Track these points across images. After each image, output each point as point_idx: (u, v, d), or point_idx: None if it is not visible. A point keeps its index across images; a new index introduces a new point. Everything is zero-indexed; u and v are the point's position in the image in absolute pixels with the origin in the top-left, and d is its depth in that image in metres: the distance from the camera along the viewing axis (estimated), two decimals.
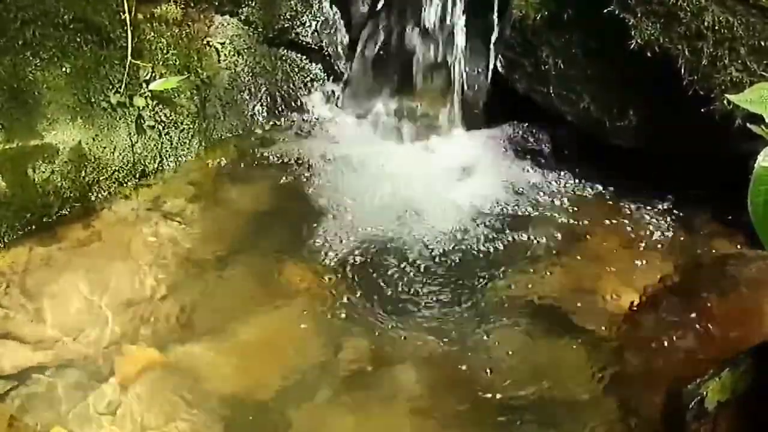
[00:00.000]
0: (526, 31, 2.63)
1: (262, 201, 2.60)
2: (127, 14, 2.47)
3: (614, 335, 2.07)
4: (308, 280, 2.25)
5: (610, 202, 2.54)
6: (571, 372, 1.97)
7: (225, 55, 2.83)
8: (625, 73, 2.41)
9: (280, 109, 3.00)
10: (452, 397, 1.92)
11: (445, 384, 1.95)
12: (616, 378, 1.95)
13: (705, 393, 1.61)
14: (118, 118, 2.55)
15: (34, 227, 2.36)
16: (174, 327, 2.09)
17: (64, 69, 2.41)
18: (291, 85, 3.03)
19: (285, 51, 3.00)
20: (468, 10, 2.83)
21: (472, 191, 2.61)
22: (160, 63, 2.64)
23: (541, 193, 2.60)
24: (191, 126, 2.74)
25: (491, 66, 2.85)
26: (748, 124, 1.33)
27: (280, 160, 2.76)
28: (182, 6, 2.72)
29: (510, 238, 2.41)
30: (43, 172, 2.38)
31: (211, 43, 2.79)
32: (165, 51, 2.66)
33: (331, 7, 3.01)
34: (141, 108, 2.57)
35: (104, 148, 2.52)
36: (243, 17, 2.86)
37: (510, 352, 2.03)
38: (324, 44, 3.03)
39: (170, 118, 2.68)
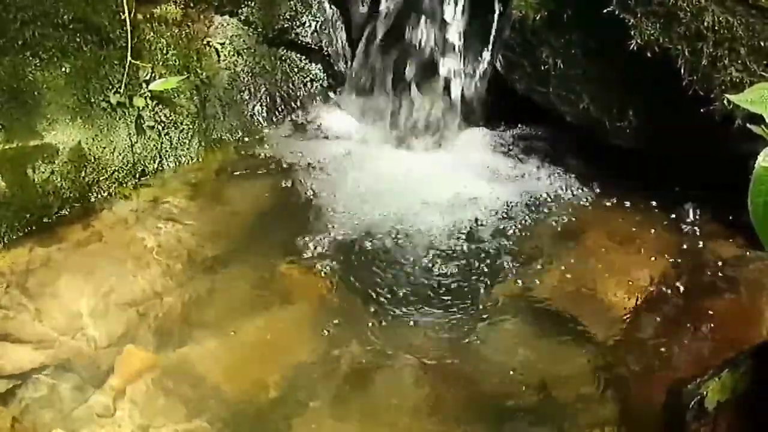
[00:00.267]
0: (526, 31, 2.63)
1: (262, 201, 2.60)
2: (126, 14, 2.47)
3: (614, 335, 2.07)
4: (308, 281, 2.25)
5: (610, 203, 2.54)
6: (571, 372, 1.97)
7: (225, 55, 2.83)
8: (625, 73, 2.41)
9: (279, 109, 3.00)
10: (452, 396, 1.92)
11: (444, 384, 1.95)
12: (616, 378, 1.95)
13: (705, 393, 1.61)
14: (117, 119, 2.55)
15: (33, 227, 2.36)
16: (174, 327, 2.09)
17: (63, 69, 2.41)
18: (291, 86, 3.03)
19: (285, 51, 3.00)
20: (467, 10, 2.83)
21: (472, 191, 2.60)
22: (160, 63, 2.64)
23: (541, 193, 2.59)
24: (191, 126, 2.74)
25: (491, 66, 2.85)
26: (748, 125, 1.33)
27: (280, 160, 2.76)
28: (182, 6, 2.72)
29: (509, 238, 2.41)
30: (43, 172, 2.38)
31: (210, 44, 2.79)
32: (165, 51, 2.66)
33: (330, 7, 3.01)
34: (141, 108, 2.57)
35: (104, 148, 2.52)
36: (243, 17, 2.86)
37: (509, 353, 2.03)
38: (324, 44, 3.03)
39: (170, 118, 2.68)
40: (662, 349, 2.01)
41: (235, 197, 2.61)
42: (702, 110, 2.21)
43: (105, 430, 1.80)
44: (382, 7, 2.95)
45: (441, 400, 1.91)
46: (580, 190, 2.60)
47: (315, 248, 2.34)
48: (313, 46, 3.01)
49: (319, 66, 3.07)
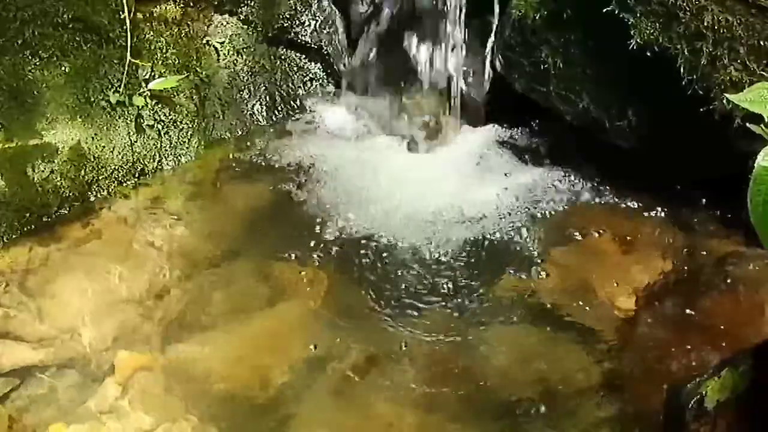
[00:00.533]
0: (526, 30, 2.63)
1: (261, 200, 2.60)
2: (126, 13, 2.47)
3: (614, 335, 2.07)
4: (307, 280, 2.25)
5: (610, 202, 2.54)
6: (571, 372, 1.97)
7: (224, 54, 2.83)
8: (624, 72, 2.41)
9: (279, 108, 3.00)
10: (451, 395, 1.92)
11: (444, 383, 1.95)
12: (616, 378, 1.95)
13: (705, 392, 1.61)
14: (117, 118, 2.55)
15: (33, 227, 2.36)
16: (173, 326, 2.09)
17: (63, 68, 2.41)
18: (290, 85, 3.03)
19: (284, 50, 3.00)
20: (467, 9, 2.83)
21: (471, 191, 2.60)
22: (160, 62, 2.64)
23: (540, 193, 2.59)
24: (190, 125, 2.74)
25: (491, 65, 2.85)
26: (747, 124, 1.33)
27: (279, 160, 2.76)
28: (181, 5, 2.72)
29: (509, 238, 2.41)
30: (43, 171, 2.38)
31: (210, 43, 2.79)
32: (164, 50, 2.66)
33: (330, 6, 3.01)
34: (140, 107, 2.58)
35: (103, 147, 2.52)
36: (242, 16, 2.86)
37: (509, 352, 2.03)
38: (323, 43, 3.03)
39: (169, 117, 2.68)
40: (662, 349, 2.01)
41: (235, 196, 2.61)
42: (702, 110, 2.21)
43: (105, 429, 1.80)
44: (382, 6, 2.95)
45: (441, 400, 1.91)
46: (580, 190, 2.60)
47: (314, 248, 2.34)
48: (312, 46, 3.01)
49: (318, 65, 3.07)
